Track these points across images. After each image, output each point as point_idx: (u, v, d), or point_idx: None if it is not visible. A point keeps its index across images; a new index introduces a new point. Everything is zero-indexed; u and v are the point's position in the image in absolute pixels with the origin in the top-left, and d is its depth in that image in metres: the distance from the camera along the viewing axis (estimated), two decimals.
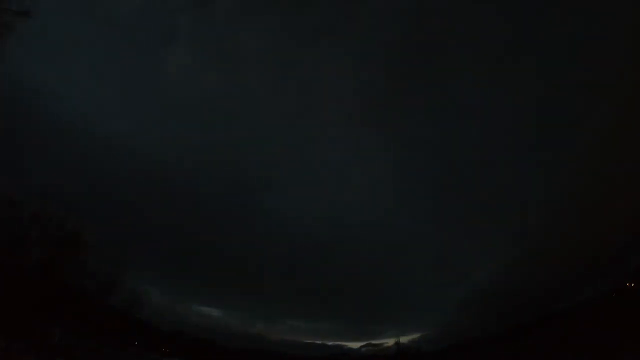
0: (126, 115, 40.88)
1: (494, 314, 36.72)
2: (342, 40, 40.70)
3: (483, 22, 36.50)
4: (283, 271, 42.29)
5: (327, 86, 42.99)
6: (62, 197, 30.88)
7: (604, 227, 33.65)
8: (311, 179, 45.29)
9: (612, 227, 33.05)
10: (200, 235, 41.30)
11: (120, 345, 31.72)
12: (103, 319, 29.52)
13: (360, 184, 44.55)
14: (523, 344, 31.34)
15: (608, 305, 28.79)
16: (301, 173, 45.21)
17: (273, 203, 43.46)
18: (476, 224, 40.44)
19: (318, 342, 43.63)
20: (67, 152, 35.96)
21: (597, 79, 34.86)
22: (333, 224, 44.06)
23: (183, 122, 43.54)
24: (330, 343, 43.60)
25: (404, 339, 41.03)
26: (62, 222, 26.87)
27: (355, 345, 43.06)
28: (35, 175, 31.19)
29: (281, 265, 42.42)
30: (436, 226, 42.04)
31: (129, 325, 33.63)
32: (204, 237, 41.26)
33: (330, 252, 43.54)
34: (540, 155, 38.79)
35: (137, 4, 39.40)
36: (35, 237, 25.66)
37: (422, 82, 39.67)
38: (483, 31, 36.93)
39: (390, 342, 41.52)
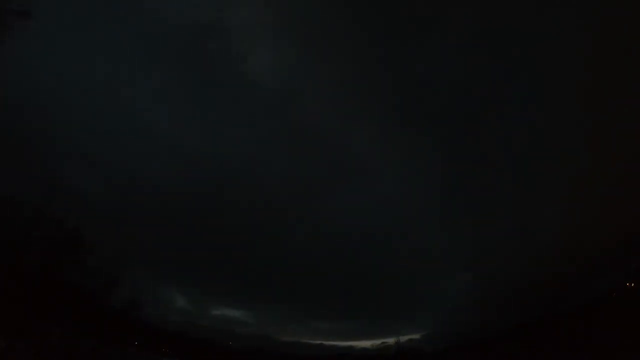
0: (150, 111, 40.60)
1: (494, 314, 36.79)
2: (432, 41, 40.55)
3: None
4: (289, 272, 42.48)
5: (391, 91, 42.74)
6: (64, 196, 30.92)
7: (604, 227, 33.72)
8: (344, 185, 45.38)
9: (612, 227, 33.11)
10: (205, 235, 41.35)
11: (120, 345, 31.80)
12: (103, 319, 29.66)
13: (375, 192, 44.66)
14: (523, 344, 31.38)
15: (608, 305, 28.86)
16: (338, 180, 45.42)
17: (296, 206, 43.70)
18: (478, 225, 40.66)
19: (317, 342, 43.77)
20: (72, 151, 35.88)
21: (599, 83, 35.13)
22: (349, 228, 44.29)
23: (217, 122, 43.07)
24: (329, 343, 43.74)
25: (404, 339, 41.13)
26: (62, 222, 26.97)
27: (354, 345, 43.17)
28: (36, 175, 31.18)
29: (288, 267, 42.60)
30: (440, 228, 42.29)
31: (129, 325, 33.71)
32: (209, 237, 41.35)
33: (340, 255, 43.87)
34: (543, 157, 39.06)
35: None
36: (35, 237, 25.72)
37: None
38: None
39: (390, 341, 41.60)
